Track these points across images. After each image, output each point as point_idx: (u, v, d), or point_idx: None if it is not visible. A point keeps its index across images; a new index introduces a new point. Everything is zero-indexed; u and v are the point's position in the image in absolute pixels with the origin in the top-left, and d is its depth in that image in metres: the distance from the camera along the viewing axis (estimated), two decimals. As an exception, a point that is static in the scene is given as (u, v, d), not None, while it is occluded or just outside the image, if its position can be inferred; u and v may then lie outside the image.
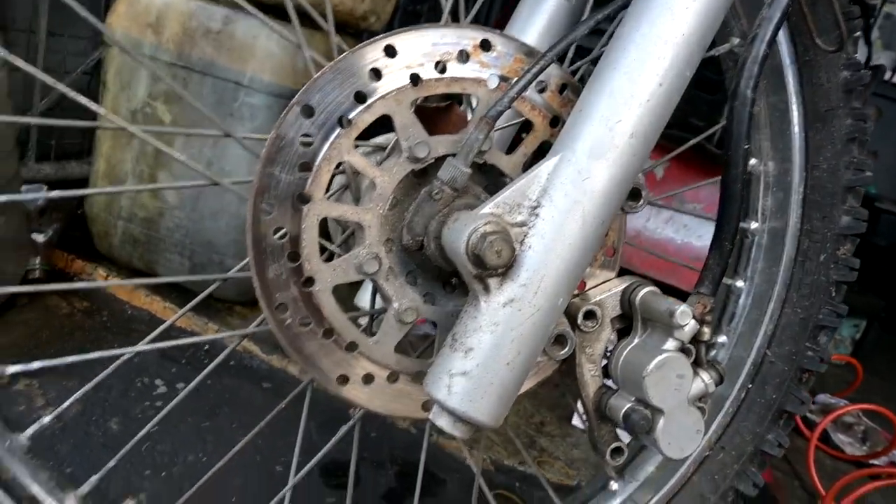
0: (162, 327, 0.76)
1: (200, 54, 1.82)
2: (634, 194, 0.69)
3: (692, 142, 1.03)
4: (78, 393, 0.71)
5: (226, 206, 1.92)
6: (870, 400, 2.20)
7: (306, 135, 0.63)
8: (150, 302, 2.00)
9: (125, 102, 1.92)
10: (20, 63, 0.59)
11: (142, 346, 0.73)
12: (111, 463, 0.75)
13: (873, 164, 0.94)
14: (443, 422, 0.62)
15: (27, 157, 2.22)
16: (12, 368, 0.70)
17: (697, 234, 2.43)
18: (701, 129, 0.99)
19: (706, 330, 0.70)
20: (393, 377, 0.73)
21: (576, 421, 1.95)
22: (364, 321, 0.89)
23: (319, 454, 0.81)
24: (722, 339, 1.01)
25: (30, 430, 0.73)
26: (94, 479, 0.75)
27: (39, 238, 1.96)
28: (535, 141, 0.72)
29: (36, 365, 0.71)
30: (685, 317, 0.67)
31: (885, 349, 3.47)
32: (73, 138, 2.43)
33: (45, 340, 1.75)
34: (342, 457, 1.55)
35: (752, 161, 0.98)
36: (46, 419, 0.72)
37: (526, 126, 0.74)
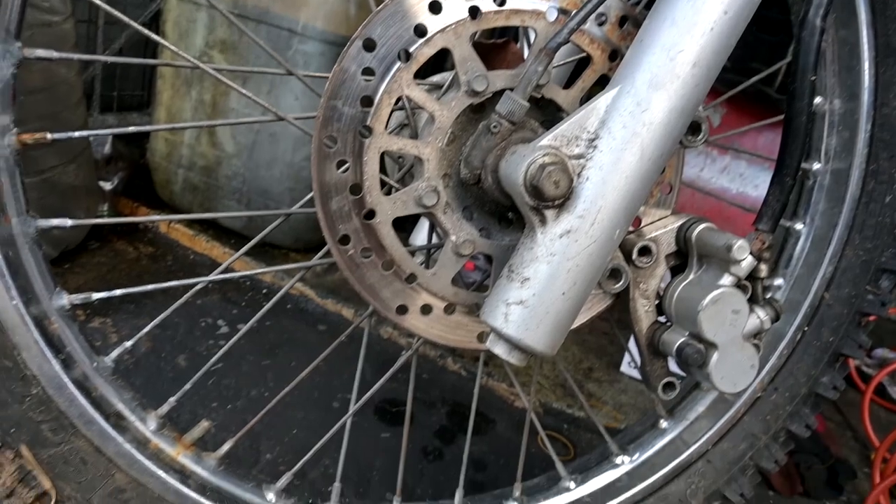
0: (231, 259, 0.80)
1: (255, 2, 1.84)
2: (695, 128, 0.68)
3: (752, 80, 1.00)
4: (158, 318, 0.76)
5: (280, 155, 1.96)
6: (931, 356, 2.14)
7: (368, 69, 0.65)
8: (210, 248, 2.08)
9: (183, 51, 1.95)
10: (104, 5, 0.62)
11: (214, 276, 0.77)
12: (187, 386, 0.81)
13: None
14: (499, 349, 0.64)
15: (92, 109, 2.30)
16: (97, 295, 0.76)
17: (753, 184, 2.36)
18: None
19: (763, 266, 0.70)
20: (450, 308, 0.75)
21: (624, 367, 1.96)
22: (420, 258, 0.91)
23: (381, 380, 0.85)
24: (778, 281, 1.00)
25: (114, 354, 0.79)
26: (172, 399, 0.81)
27: (106, 186, 2.05)
28: (594, 75, 0.71)
29: (118, 292, 0.76)
30: (742, 251, 0.67)
31: (950, 305, 3.34)
32: (134, 90, 2.50)
33: (116, 283, 1.85)
34: (396, 396, 1.61)
35: (817, 99, 0.95)
36: (129, 343, 0.78)
37: (583, 63, 0.74)
